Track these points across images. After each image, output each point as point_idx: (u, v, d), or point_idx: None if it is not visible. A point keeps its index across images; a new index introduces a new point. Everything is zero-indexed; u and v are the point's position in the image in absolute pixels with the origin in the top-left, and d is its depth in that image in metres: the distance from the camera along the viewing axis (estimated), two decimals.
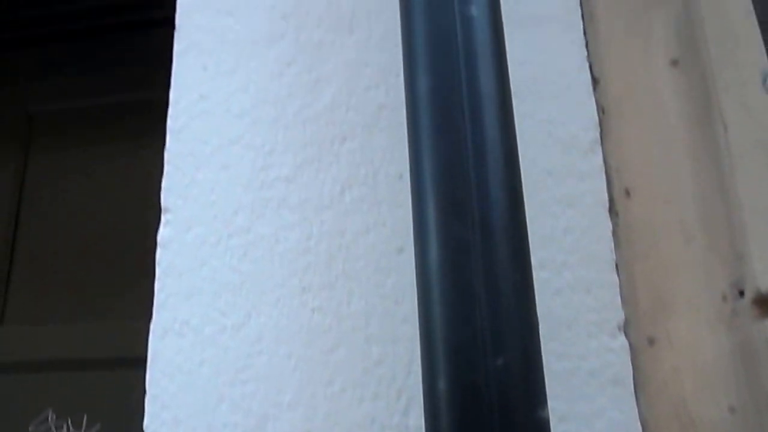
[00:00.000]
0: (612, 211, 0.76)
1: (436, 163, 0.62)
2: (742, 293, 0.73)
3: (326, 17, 0.87)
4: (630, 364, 0.71)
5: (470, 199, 0.61)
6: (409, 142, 0.65)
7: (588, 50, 0.81)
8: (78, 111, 1.76)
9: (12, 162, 1.76)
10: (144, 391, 0.79)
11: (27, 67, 1.81)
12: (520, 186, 0.63)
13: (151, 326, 0.81)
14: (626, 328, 0.73)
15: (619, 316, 0.73)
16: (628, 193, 0.76)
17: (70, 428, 1.43)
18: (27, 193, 1.76)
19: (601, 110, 0.79)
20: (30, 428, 1.44)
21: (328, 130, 0.83)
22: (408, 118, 0.67)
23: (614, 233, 0.75)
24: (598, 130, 0.78)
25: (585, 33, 0.81)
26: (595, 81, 0.80)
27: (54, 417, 1.46)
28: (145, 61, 1.69)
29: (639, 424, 0.70)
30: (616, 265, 0.74)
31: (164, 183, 0.85)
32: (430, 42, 0.67)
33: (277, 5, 0.89)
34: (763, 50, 0.66)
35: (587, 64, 0.80)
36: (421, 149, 0.64)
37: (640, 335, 0.73)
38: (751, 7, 0.66)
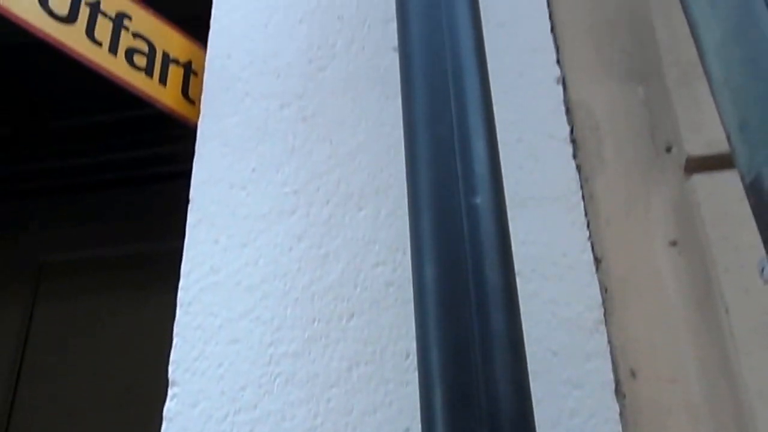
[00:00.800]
0: (618, 392, 0.76)
1: (443, 354, 0.63)
2: None
3: (336, 194, 0.90)
4: None
5: (477, 390, 0.61)
6: (417, 331, 0.66)
7: (589, 230, 0.83)
8: (87, 261, 1.79)
9: (20, 309, 1.77)
10: None
11: (39, 216, 1.86)
12: (527, 375, 0.64)
13: None
14: None
15: None
16: (633, 373, 0.77)
17: None
18: (32, 340, 1.76)
19: (604, 290, 0.80)
20: None
21: (336, 306, 0.84)
22: (415, 305, 0.68)
23: (621, 415, 0.75)
24: (602, 310, 0.79)
25: (586, 213, 0.84)
26: (597, 261, 0.82)
27: None
28: (154, 213, 1.74)
29: None
30: None
31: (172, 356, 0.86)
32: (436, 231, 0.69)
33: (288, 181, 0.92)
34: (757, 234, 0.68)
35: (589, 244, 0.82)
36: (428, 339, 0.65)
37: None
38: (744, 193, 0.68)
